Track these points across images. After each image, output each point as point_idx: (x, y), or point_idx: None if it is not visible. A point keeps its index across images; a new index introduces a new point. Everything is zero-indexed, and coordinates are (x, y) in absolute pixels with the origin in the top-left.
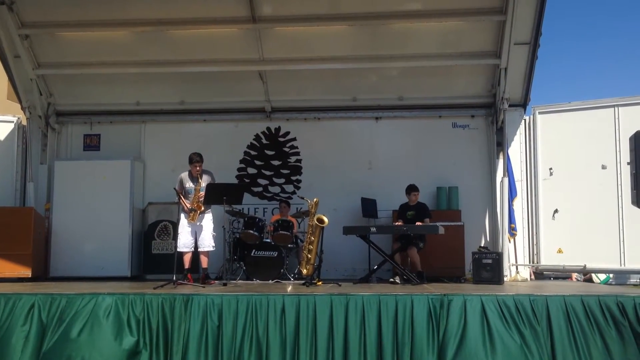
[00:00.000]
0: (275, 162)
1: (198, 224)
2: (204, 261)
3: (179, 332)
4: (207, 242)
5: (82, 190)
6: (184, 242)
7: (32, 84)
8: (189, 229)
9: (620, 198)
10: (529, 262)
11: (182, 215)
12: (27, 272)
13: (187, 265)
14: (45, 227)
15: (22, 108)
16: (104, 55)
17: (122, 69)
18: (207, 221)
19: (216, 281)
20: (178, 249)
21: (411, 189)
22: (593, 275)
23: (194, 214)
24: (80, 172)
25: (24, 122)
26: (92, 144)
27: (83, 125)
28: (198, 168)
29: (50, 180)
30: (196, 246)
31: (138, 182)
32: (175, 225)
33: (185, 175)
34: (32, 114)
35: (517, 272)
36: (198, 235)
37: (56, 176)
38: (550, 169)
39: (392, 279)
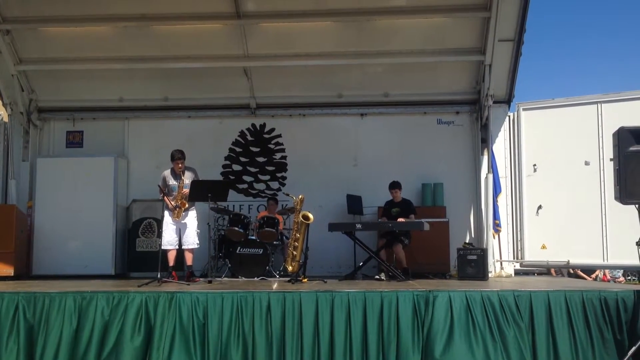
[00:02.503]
0: (261, 159)
1: (182, 221)
2: (189, 258)
3: (162, 329)
4: (192, 240)
5: (65, 187)
6: (168, 239)
7: (13, 80)
8: (174, 227)
9: (603, 194)
10: (514, 258)
11: (166, 213)
12: (9, 271)
13: (171, 263)
14: (28, 225)
15: (4, 104)
16: (86, 50)
17: (105, 64)
18: (191, 219)
19: (201, 279)
20: (162, 247)
21: (392, 186)
22: (607, 272)
23: (178, 211)
24: (63, 169)
25: (6, 119)
26: (74, 140)
27: (65, 122)
28: (180, 165)
29: (32, 177)
30: (180, 244)
31: (122, 179)
32: (160, 222)
33: (168, 172)
34: (13, 111)
35: (502, 268)
36: (182, 232)
37: (38, 173)
38: (534, 165)
39: (377, 276)
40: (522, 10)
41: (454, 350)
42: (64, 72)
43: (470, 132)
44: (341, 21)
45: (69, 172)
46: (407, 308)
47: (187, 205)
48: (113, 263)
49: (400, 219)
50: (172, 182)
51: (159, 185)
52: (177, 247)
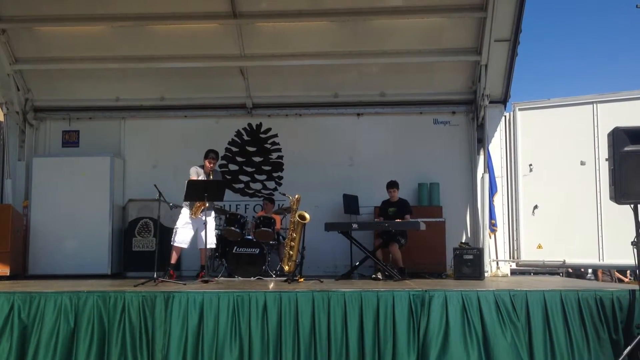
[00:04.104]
0: (257, 159)
1: (203, 218)
2: (204, 257)
3: (161, 330)
4: (211, 240)
5: (61, 187)
6: (184, 238)
7: (9, 79)
8: (191, 226)
9: (598, 194)
10: (509, 258)
11: (185, 210)
12: (5, 270)
13: (174, 260)
14: (24, 225)
15: None
16: (83, 50)
17: (101, 64)
18: (211, 219)
19: (199, 278)
20: (176, 244)
21: (390, 186)
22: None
23: (197, 209)
24: (59, 168)
25: (1, 118)
26: (70, 140)
27: (61, 121)
28: (212, 165)
29: (28, 177)
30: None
31: (118, 178)
32: (156, 222)
33: (198, 168)
34: (9, 110)
35: (498, 268)
36: (199, 232)
37: (34, 173)
38: (530, 165)
39: (374, 275)
40: (518, 11)
41: (450, 350)
42: (60, 72)
43: (467, 132)
44: (337, 21)
45: (65, 172)
46: (404, 308)
47: (206, 205)
48: (109, 263)
49: (396, 220)
50: (201, 177)
51: (189, 180)
52: (187, 246)
